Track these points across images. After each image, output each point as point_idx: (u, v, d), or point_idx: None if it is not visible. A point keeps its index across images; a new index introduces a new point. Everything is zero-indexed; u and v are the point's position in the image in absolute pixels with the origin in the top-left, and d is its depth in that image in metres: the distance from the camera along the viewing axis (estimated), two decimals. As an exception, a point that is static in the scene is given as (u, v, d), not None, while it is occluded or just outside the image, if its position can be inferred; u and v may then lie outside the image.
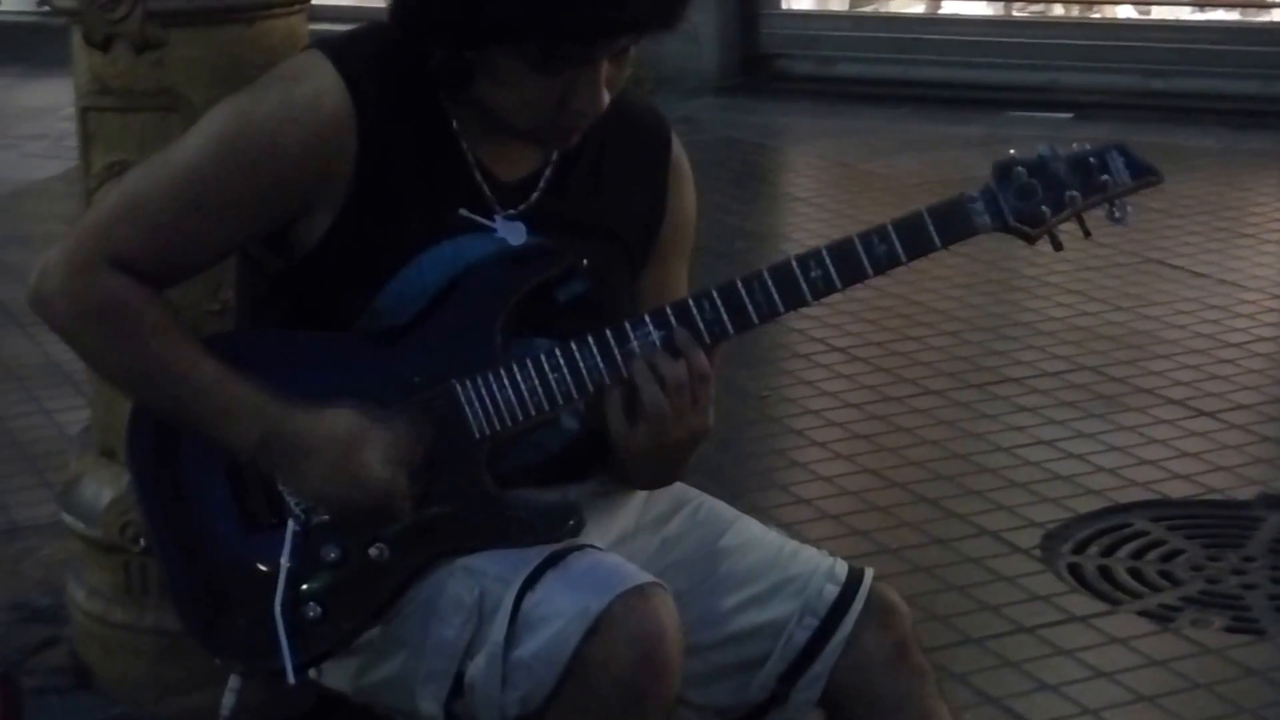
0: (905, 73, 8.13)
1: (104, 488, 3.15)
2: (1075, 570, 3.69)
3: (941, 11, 8.81)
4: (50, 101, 3.01)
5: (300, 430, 2.07)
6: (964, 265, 5.68)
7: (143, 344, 2.10)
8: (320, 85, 2.08)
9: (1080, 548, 3.79)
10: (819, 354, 4.97)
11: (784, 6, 8.60)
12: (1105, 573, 3.68)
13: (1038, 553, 3.75)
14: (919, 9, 8.89)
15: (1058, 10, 8.67)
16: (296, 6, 3.07)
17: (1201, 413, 4.46)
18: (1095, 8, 8.68)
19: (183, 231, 2.10)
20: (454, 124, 2.12)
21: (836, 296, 5.54)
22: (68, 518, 3.25)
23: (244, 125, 2.10)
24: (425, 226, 2.12)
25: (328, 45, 2.14)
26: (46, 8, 3.21)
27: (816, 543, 2.29)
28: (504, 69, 2.03)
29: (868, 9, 8.89)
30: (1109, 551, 3.77)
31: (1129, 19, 8.48)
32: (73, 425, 4.04)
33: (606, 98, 2.06)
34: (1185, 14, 8.35)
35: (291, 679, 2.10)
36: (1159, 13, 8.48)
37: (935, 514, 3.94)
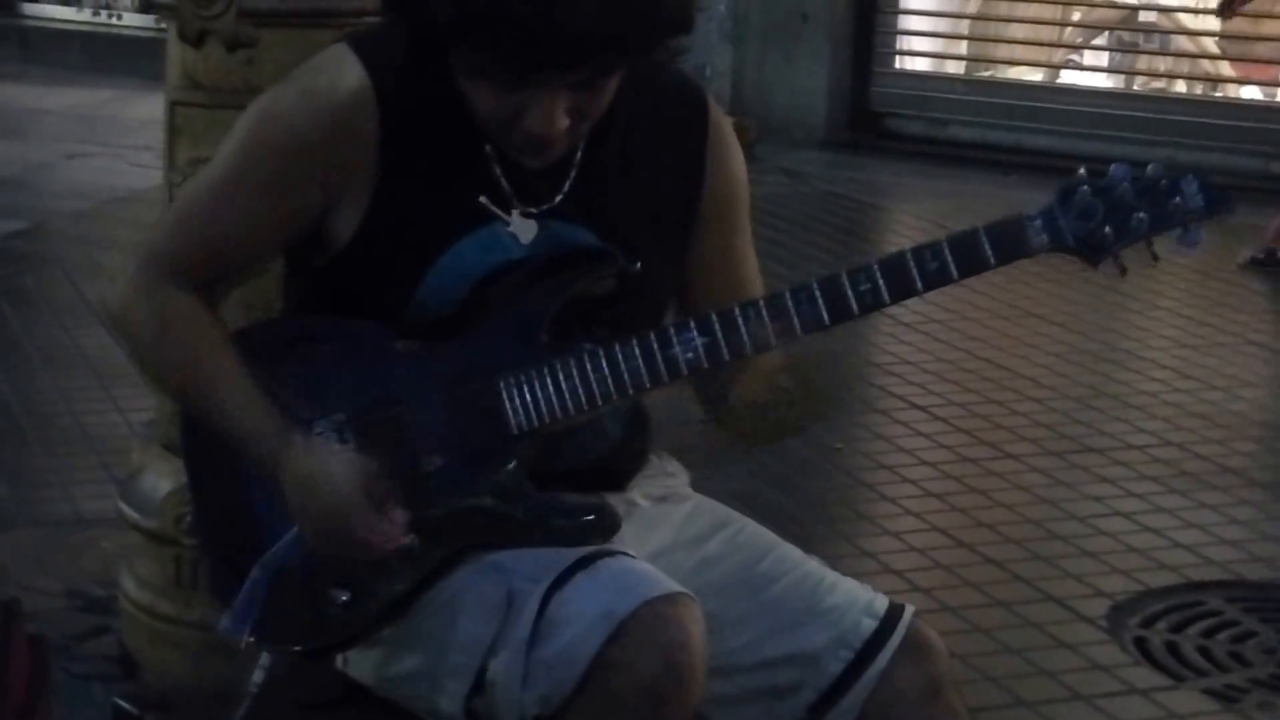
0: (1018, 140, 8.07)
1: (162, 480, 3.16)
2: (1141, 643, 3.62)
3: (1060, 81, 8.74)
4: (161, 114, 3.04)
5: (287, 471, 2.08)
6: (1057, 334, 5.62)
7: (180, 357, 2.14)
8: (340, 75, 2.09)
9: (1149, 622, 3.71)
10: (899, 410, 4.92)
11: (898, 66, 8.57)
12: (1172, 648, 3.61)
13: (1103, 623, 3.68)
14: (1036, 77, 8.83)
15: (1180, 87, 8.58)
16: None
17: (1288, 497, 4.38)
18: (1218, 87, 8.59)
19: (224, 232, 2.14)
20: (474, 117, 2.09)
21: (923, 355, 5.54)
22: (125, 507, 3.26)
23: (267, 119, 2.14)
24: (454, 216, 2.11)
25: (353, 38, 2.15)
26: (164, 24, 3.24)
27: (876, 594, 2.24)
28: (465, 69, 2.02)
29: (984, 74, 8.84)
30: (1179, 628, 3.69)
31: (1253, 100, 8.38)
32: (142, 421, 4.07)
33: (565, 122, 2.03)
34: (1314, 99, 8.25)
35: (227, 627, 2.12)
36: (1285, 95, 8.38)
37: (1000, 576, 3.88)
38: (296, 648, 2.17)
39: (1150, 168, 2.02)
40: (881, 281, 2.02)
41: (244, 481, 2.15)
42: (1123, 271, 2.04)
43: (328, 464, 2.06)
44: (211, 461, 2.19)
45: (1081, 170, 2.04)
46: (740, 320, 2.04)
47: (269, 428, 2.09)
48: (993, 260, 2.01)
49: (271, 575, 2.11)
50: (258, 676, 2.20)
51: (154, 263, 2.15)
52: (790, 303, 2.03)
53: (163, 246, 2.17)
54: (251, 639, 2.14)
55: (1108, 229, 2.01)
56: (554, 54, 1.96)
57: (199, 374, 2.13)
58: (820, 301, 2.02)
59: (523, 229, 2.12)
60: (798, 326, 2.03)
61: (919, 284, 2.02)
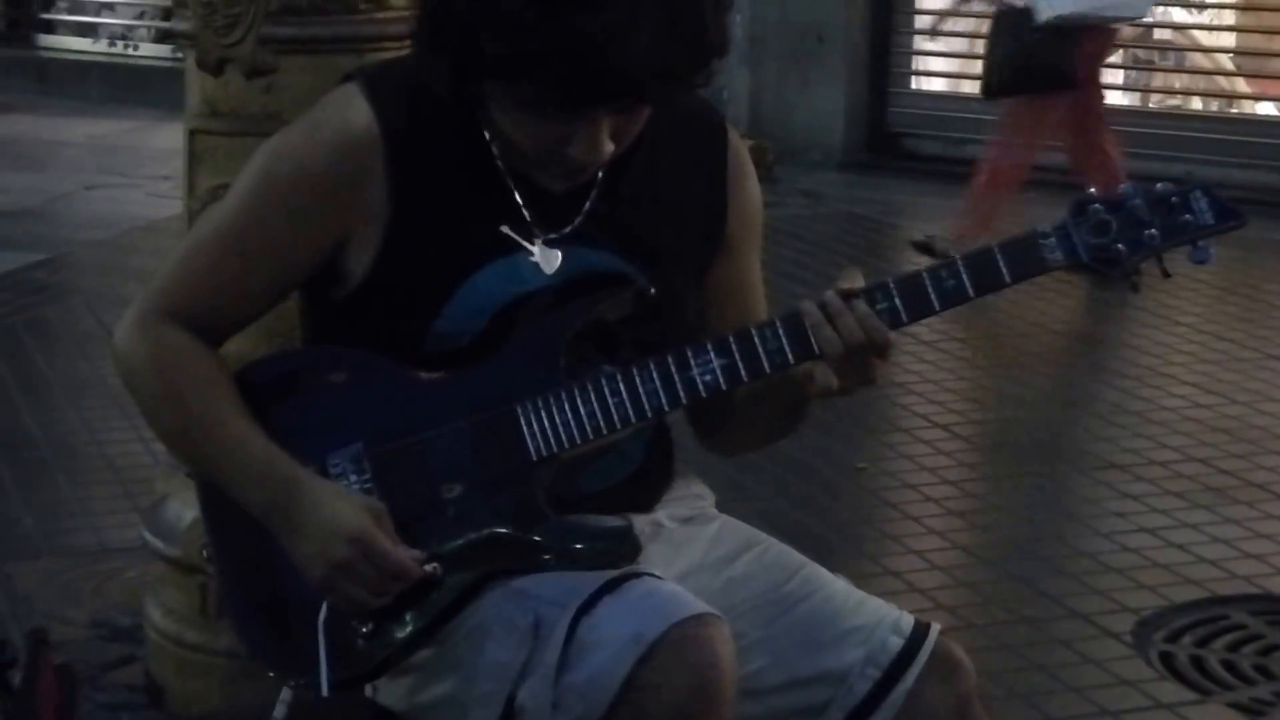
0: (1035, 158, 8.04)
1: (186, 509, 3.16)
2: (1167, 658, 3.61)
3: (1075, 100, 8.72)
4: (179, 144, 3.07)
5: (292, 517, 2.07)
6: (1078, 350, 5.61)
7: (180, 397, 2.12)
8: (345, 112, 2.10)
9: (1174, 636, 3.71)
10: (920, 429, 4.91)
11: (915, 86, 8.58)
12: (1198, 662, 3.60)
13: (1129, 638, 3.68)
14: (1052, 95, 8.81)
15: (1195, 104, 8.57)
16: (407, 41, 3.08)
17: (1312, 511, 4.36)
18: (1234, 103, 8.59)
19: (231, 275, 2.13)
20: (492, 146, 2.10)
21: (944, 374, 5.53)
22: (149, 536, 3.27)
23: (276, 159, 2.14)
24: (471, 247, 2.10)
25: (362, 73, 2.16)
26: (181, 54, 3.26)
27: (901, 613, 2.24)
28: (504, 101, 2.02)
29: (1000, 93, 8.81)
30: (1204, 642, 3.69)
31: (1268, 115, 8.37)
32: (165, 450, 4.09)
33: (610, 147, 2.04)
34: (1329, 113, 8.24)
35: (325, 691, 2.08)
36: (1301, 110, 8.38)
37: (1025, 593, 3.88)
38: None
39: (1160, 184, 2.04)
40: (899, 300, 2.02)
41: (269, 538, 2.12)
42: (1135, 288, 2.05)
43: (333, 509, 2.05)
44: (234, 522, 2.16)
45: (1092, 188, 2.05)
46: (757, 340, 2.04)
47: (270, 472, 2.08)
48: (1008, 278, 2.02)
49: (327, 627, 2.09)
50: (279, 712, 2.20)
51: (155, 303, 2.14)
52: (807, 323, 2.03)
53: (165, 287, 2.16)
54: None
55: (1120, 245, 2.02)
56: (606, 88, 1.97)
57: (193, 419, 2.11)
58: None
59: (547, 259, 2.11)
60: (815, 346, 2.03)
61: (936, 303, 2.03)
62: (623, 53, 1.93)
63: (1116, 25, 6.78)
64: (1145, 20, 7.48)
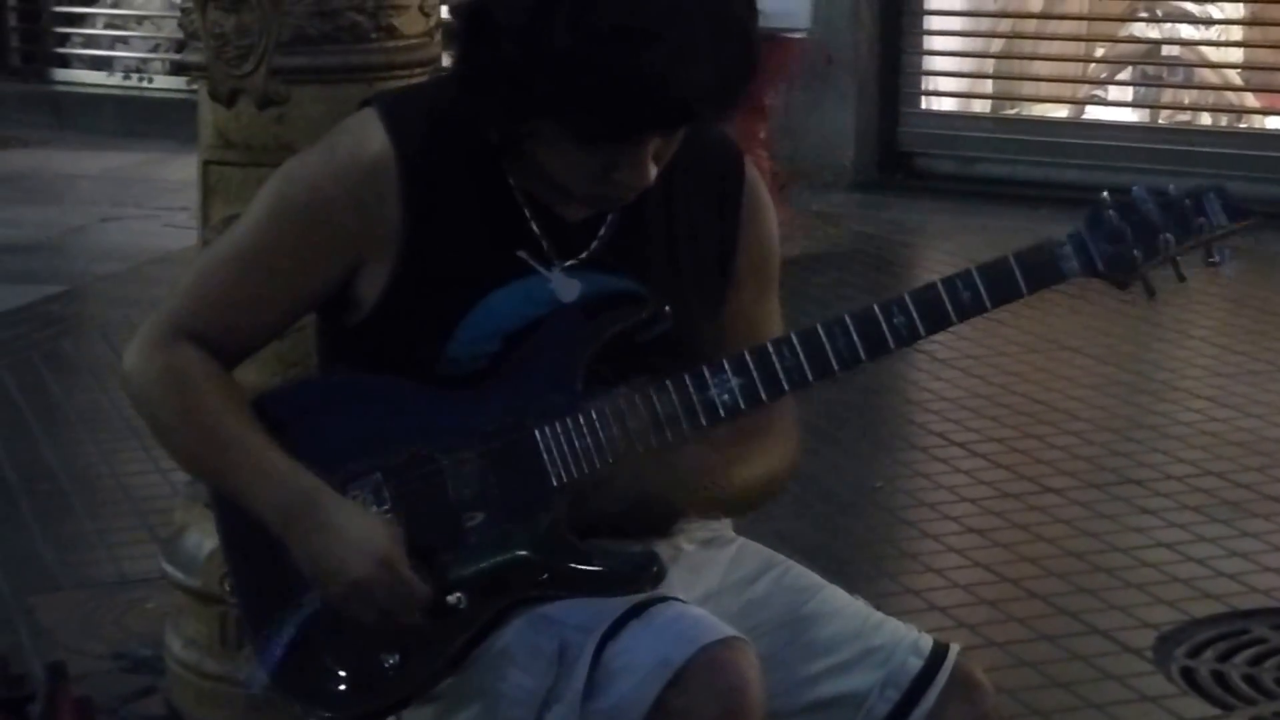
0: (1047, 175, 8.05)
1: (206, 539, 3.17)
2: (1188, 673, 3.60)
3: (1085, 116, 8.74)
4: (194, 175, 3.09)
5: (309, 535, 2.06)
6: (1092, 366, 5.61)
7: (193, 413, 2.11)
8: (362, 137, 2.11)
9: (1195, 651, 3.70)
10: (937, 448, 4.91)
11: (925, 106, 8.58)
12: (1219, 678, 3.59)
13: (1150, 654, 3.67)
14: (1062, 113, 8.82)
15: (1204, 119, 8.57)
16: (417, 69, 3.11)
17: (1331, 523, 4.35)
18: (1242, 118, 8.58)
19: (245, 297, 2.14)
20: (509, 176, 2.10)
21: (959, 391, 5.51)
22: (169, 568, 3.28)
23: (291, 182, 2.15)
24: (485, 271, 2.11)
25: (380, 99, 2.17)
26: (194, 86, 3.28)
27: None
28: (550, 135, 2.02)
29: (1010, 111, 8.84)
30: (1225, 657, 3.68)
31: (1277, 130, 8.37)
32: (184, 480, 4.09)
33: (653, 171, 2.05)
34: (1339, 127, 8.23)
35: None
36: (1310, 125, 8.36)
37: (1045, 610, 3.87)
38: (351, 713, 2.14)
39: (1172, 187, 2.03)
40: (915, 313, 2.02)
41: (291, 568, 2.11)
42: (1151, 294, 2.05)
43: (363, 527, 2.05)
44: (246, 532, 2.16)
45: (1105, 194, 2.05)
46: (775, 358, 2.04)
47: (290, 482, 2.08)
48: (1024, 288, 2.03)
49: (299, 630, 2.09)
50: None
51: (168, 324, 2.14)
52: (824, 338, 2.04)
53: (177, 308, 2.16)
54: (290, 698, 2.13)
55: (1136, 251, 2.02)
56: (667, 115, 1.98)
57: (210, 434, 2.11)
58: (854, 335, 2.03)
59: (564, 287, 2.12)
60: (834, 362, 2.03)
61: (953, 314, 2.03)
62: (684, 80, 1.94)
63: (778, 40, 6.65)
64: (1152, 36, 7.46)
